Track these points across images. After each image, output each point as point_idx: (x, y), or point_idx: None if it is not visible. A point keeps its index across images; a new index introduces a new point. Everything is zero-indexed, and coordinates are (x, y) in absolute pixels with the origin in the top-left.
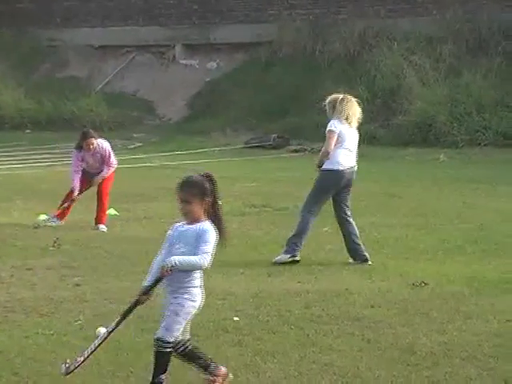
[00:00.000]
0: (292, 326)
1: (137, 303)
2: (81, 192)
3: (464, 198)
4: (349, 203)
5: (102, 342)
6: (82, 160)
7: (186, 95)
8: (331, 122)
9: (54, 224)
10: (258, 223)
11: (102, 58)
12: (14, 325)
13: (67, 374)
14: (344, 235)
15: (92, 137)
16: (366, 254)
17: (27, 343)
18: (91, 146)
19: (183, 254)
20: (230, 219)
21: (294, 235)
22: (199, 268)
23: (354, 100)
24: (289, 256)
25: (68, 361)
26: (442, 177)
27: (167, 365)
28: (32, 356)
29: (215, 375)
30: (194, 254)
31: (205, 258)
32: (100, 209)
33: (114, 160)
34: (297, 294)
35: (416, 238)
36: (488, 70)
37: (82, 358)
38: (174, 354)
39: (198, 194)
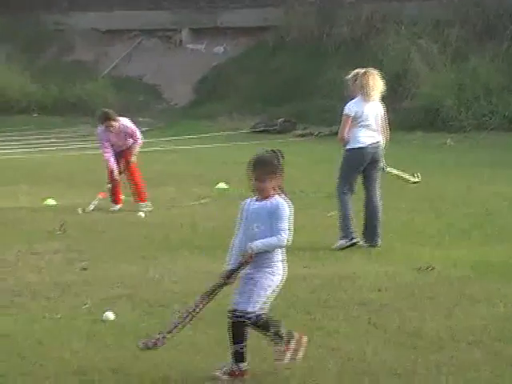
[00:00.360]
0: (299, 311)
1: (222, 285)
2: (120, 172)
3: (470, 183)
4: (377, 180)
5: (183, 322)
6: (108, 140)
7: (192, 80)
8: (348, 103)
9: (113, 209)
10: None
11: (108, 43)
12: (21, 309)
13: (147, 348)
14: (365, 214)
15: (111, 119)
16: (378, 241)
17: (34, 327)
18: (111, 128)
19: (260, 232)
20: (237, 203)
21: (341, 220)
22: (279, 247)
23: (375, 73)
24: (346, 241)
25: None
26: (449, 161)
27: (244, 336)
28: (39, 340)
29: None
30: (271, 233)
31: (282, 236)
32: (136, 190)
33: (139, 135)
34: (303, 279)
35: (422, 222)
36: (495, 54)
37: (162, 335)
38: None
39: (269, 172)
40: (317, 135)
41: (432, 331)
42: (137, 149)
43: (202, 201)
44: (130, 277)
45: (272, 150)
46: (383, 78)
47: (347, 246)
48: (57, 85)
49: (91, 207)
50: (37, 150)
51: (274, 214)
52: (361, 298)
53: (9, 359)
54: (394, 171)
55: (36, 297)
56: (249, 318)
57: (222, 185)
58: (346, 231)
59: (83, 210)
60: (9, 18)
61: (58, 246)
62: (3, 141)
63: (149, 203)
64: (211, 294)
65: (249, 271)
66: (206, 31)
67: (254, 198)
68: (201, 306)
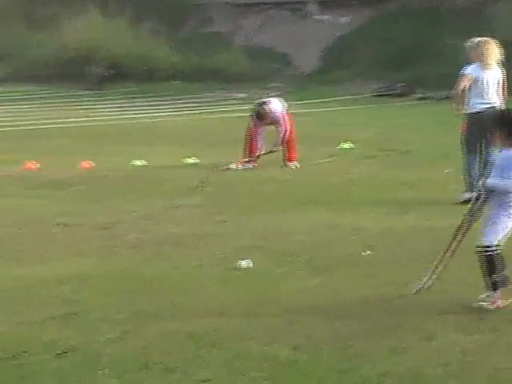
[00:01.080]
0: (418, 260)
1: (468, 221)
2: (259, 155)
3: None
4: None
5: (440, 261)
6: (261, 125)
7: (319, 48)
8: (466, 67)
9: (241, 167)
10: (386, 165)
11: (242, 15)
12: (163, 257)
13: (416, 293)
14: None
15: (263, 119)
16: None
17: (177, 273)
18: (263, 122)
19: (498, 175)
20: (359, 162)
21: (465, 175)
22: (507, 191)
23: (492, 41)
24: (469, 193)
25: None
26: None
27: (498, 265)
28: (181, 285)
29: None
30: (502, 177)
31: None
32: (287, 148)
33: (284, 125)
34: (424, 231)
35: None
36: None
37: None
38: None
39: (502, 126)
40: (434, 99)
41: None
42: (281, 136)
43: (328, 159)
44: (263, 229)
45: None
46: (500, 46)
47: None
48: (196, 54)
49: (232, 167)
50: (178, 113)
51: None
52: None
53: (157, 301)
54: None
55: (178, 247)
56: (493, 251)
57: (345, 145)
58: (470, 185)
59: (226, 169)
60: None
61: (198, 200)
62: (148, 106)
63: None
64: (459, 231)
65: (490, 213)
66: (331, 3)
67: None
68: (454, 243)
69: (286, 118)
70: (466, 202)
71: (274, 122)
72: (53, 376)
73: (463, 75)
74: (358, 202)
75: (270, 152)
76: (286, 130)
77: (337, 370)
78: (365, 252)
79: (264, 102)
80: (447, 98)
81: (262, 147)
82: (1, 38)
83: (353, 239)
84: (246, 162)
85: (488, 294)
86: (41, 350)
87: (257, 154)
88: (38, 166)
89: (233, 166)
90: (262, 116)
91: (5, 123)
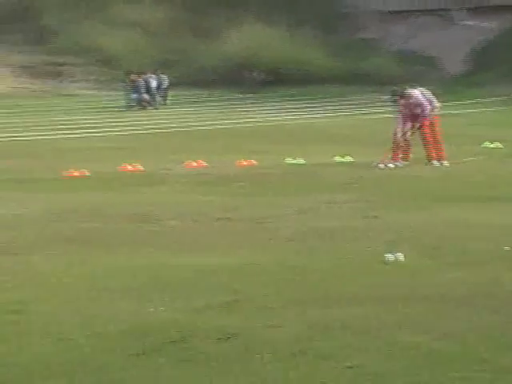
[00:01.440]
0: None
1: None
2: (404, 134)
3: None
4: None
5: None
6: (401, 110)
7: (464, 52)
8: None
9: (392, 166)
10: None
11: (393, 22)
12: (316, 250)
13: None
14: None
15: (405, 98)
16: None
17: (328, 265)
18: (406, 104)
19: None
20: (506, 161)
21: None
22: None
23: None
24: None
25: None
26: None
27: None
28: (333, 276)
29: None
30: None
31: None
32: (434, 147)
33: (427, 109)
34: None
35: None
36: None
37: None
38: None
39: None
40: None
41: None
42: (425, 114)
43: (474, 158)
44: (411, 224)
45: None
46: None
47: None
48: (349, 59)
49: (381, 165)
50: (332, 115)
51: None
52: None
53: (311, 291)
54: None
55: (330, 240)
56: None
57: (491, 144)
58: None
59: (375, 166)
60: (308, 2)
61: (351, 196)
62: (304, 108)
63: (444, 161)
64: None
65: None
66: (478, 9)
67: None
68: None
69: (432, 99)
70: None
71: (417, 106)
72: (215, 359)
73: None
74: (504, 199)
75: (413, 131)
76: (428, 109)
77: (480, 360)
78: (509, 247)
79: (405, 88)
80: None
81: (406, 138)
82: (170, 46)
83: (498, 235)
84: (394, 155)
85: None
86: (204, 335)
87: (400, 137)
88: (205, 164)
89: (381, 164)
90: (403, 95)
91: (172, 124)
